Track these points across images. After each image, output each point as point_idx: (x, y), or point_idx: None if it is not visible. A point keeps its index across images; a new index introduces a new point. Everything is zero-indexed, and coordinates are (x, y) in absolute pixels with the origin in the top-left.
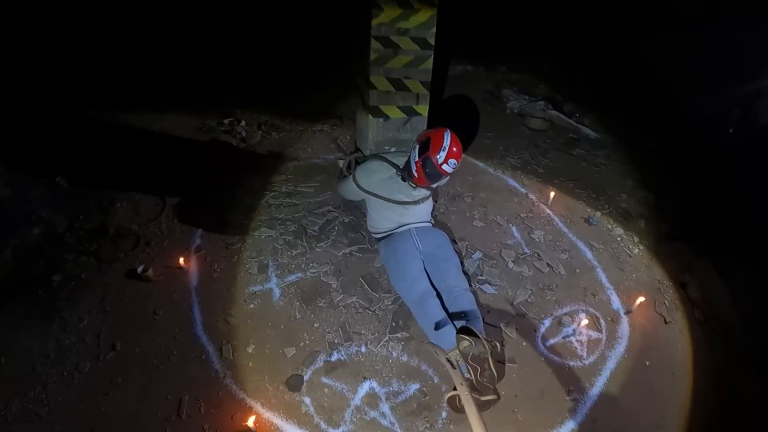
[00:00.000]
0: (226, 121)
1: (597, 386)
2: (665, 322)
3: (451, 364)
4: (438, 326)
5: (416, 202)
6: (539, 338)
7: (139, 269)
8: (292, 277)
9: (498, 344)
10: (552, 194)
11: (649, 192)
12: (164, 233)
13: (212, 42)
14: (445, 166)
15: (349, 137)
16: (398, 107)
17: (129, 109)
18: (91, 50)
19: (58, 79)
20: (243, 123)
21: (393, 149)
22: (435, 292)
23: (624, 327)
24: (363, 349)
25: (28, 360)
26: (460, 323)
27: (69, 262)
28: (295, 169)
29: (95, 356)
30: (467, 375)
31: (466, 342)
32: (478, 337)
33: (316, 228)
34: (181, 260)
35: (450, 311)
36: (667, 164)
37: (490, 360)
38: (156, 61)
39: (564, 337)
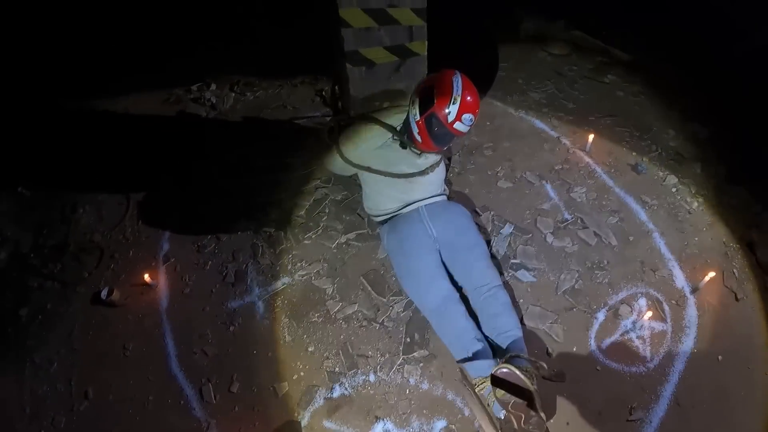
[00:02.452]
0: (194, 87)
1: (664, 398)
2: (736, 299)
3: (478, 399)
4: (466, 346)
5: (423, 173)
6: (593, 339)
7: (103, 293)
8: (277, 284)
9: (544, 365)
10: (591, 137)
11: (701, 125)
12: (129, 240)
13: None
14: (458, 125)
15: (331, 90)
16: (385, 48)
17: (86, 92)
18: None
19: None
20: (213, 87)
21: (386, 104)
22: (457, 295)
23: (691, 311)
24: (372, 377)
25: (5, 418)
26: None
27: (35, 290)
28: (274, 136)
29: (69, 407)
30: (502, 416)
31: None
32: (522, 377)
33: (302, 212)
34: (147, 276)
35: (479, 318)
36: (717, 89)
37: (537, 403)
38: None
39: (622, 334)
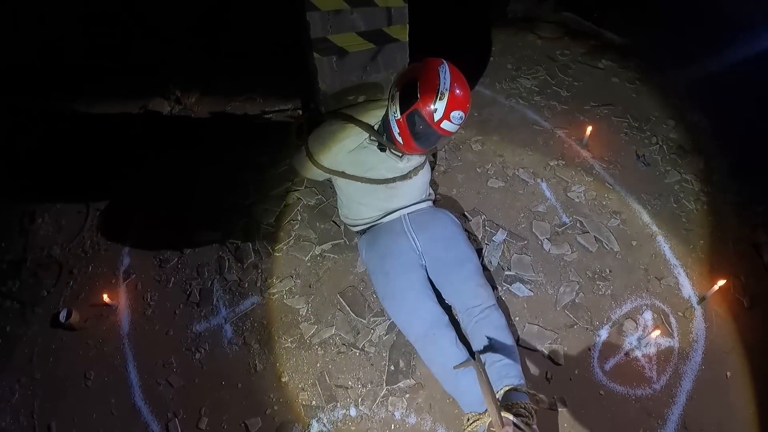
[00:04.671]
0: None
1: (671, 422)
2: (744, 307)
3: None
4: (458, 377)
5: (406, 177)
6: (596, 359)
7: (62, 315)
8: (246, 304)
9: (544, 398)
10: (588, 129)
11: (702, 114)
12: (88, 254)
13: None
14: (446, 124)
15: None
16: (359, 34)
17: (43, 91)
18: None
19: None
20: (178, 79)
21: (362, 98)
22: (446, 318)
23: (698, 323)
24: (352, 411)
25: None
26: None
27: None
28: (243, 132)
29: None
30: None
31: None
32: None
33: (272, 220)
34: (107, 296)
35: (471, 343)
36: (716, 72)
37: None
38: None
39: (627, 353)
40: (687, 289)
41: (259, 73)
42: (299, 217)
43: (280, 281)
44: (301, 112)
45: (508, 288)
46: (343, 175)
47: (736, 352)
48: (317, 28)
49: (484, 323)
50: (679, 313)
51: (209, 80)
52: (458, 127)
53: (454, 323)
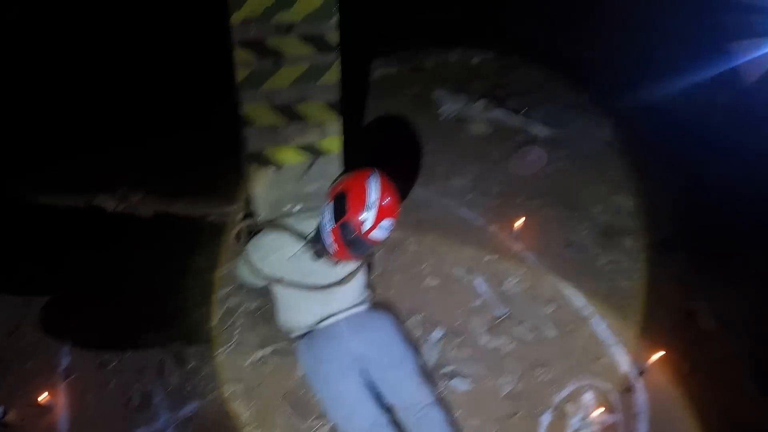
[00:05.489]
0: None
1: None
2: (684, 373)
3: None
4: None
5: (342, 282)
6: None
7: None
8: (187, 409)
9: None
10: (519, 222)
11: (628, 196)
12: (27, 350)
13: None
14: (375, 233)
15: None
16: (295, 147)
17: None
18: None
19: None
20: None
21: (298, 207)
22: (386, 419)
23: (641, 396)
24: None
25: None
26: None
27: None
28: (186, 234)
29: None
30: None
31: None
32: None
33: (212, 324)
34: (45, 396)
35: None
36: (641, 158)
37: None
38: None
39: None
40: (626, 364)
41: (204, 175)
42: (241, 321)
43: (222, 385)
44: (242, 216)
45: (448, 384)
46: (280, 282)
47: (680, 419)
48: (254, 142)
49: (425, 421)
50: (621, 389)
51: (156, 179)
52: (389, 234)
53: (397, 423)
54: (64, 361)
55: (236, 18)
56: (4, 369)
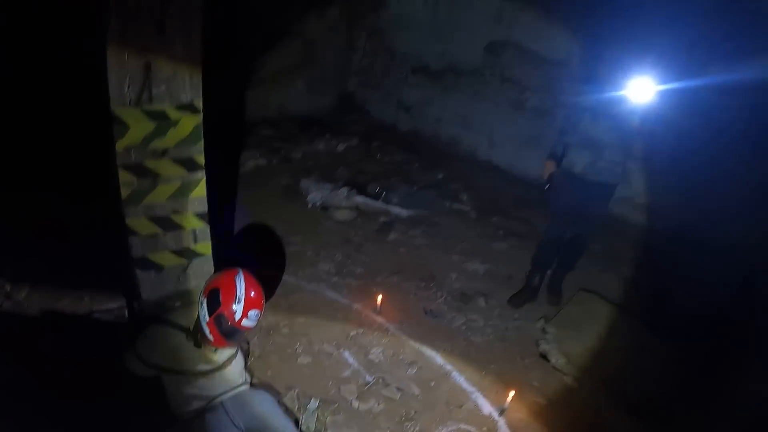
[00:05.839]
0: None
1: None
2: (543, 405)
3: None
4: None
5: (222, 367)
6: None
7: None
8: None
9: None
10: (379, 298)
11: (478, 261)
12: None
13: None
14: (245, 321)
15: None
16: (172, 251)
17: None
18: None
19: None
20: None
21: (178, 304)
22: None
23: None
24: None
25: None
26: None
27: None
28: (71, 330)
29: None
30: None
31: None
32: None
33: None
34: None
35: None
36: (488, 224)
37: None
38: None
39: None
40: (486, 407)
41: (89, 272)
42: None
43: None
44: (126, 313)
45: None
46: (167, 370)
47: None
48: (137, 249)
49: None
50: (484, 429)
51: (40, 276)
52: (257, 322)
53: None
54: None
55: (120, 145)
56: None
